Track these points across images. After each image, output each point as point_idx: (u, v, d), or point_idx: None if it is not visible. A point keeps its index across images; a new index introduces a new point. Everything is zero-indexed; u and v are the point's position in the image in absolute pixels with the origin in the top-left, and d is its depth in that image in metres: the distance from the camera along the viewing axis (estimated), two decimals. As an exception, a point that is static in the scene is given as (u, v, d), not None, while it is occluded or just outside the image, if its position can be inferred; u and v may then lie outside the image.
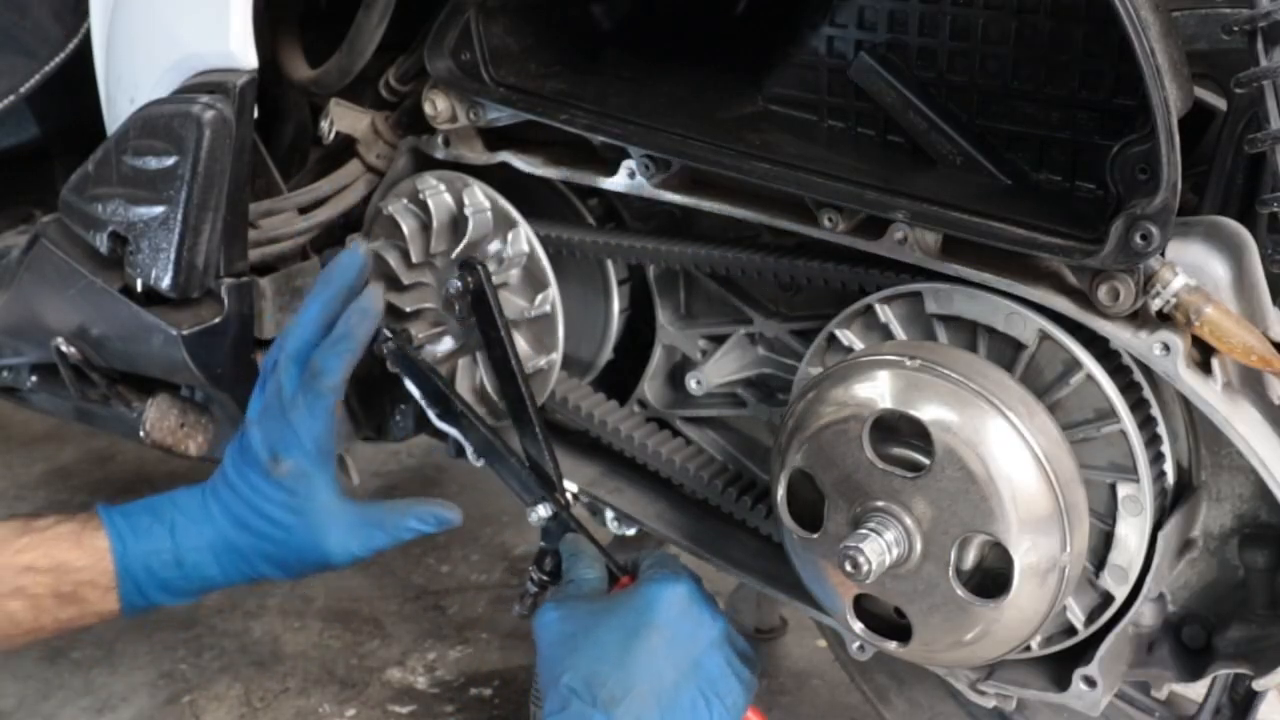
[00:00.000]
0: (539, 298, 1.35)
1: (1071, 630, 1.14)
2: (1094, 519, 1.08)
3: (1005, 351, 1.09)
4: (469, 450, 1.41)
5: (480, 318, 1.33)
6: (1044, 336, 1.06)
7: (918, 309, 1.13)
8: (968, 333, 1.11)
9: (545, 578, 1.34)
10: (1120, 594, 1.10)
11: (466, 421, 1.37)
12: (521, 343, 1.37)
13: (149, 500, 1.23)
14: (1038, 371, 1.08)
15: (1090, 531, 1.07)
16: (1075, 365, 1.06)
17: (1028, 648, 1.13)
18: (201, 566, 1.21)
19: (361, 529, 1.24)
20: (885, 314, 1.14)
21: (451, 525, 1.28)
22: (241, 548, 1.22)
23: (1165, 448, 1.09)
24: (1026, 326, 1.06)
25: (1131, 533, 1.08)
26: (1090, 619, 1.13)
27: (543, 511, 1.31)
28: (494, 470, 1.36)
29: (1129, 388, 1.07)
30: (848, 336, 1.17)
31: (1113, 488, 1.08)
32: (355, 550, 1.24)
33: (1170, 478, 1.11)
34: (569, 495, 1.35)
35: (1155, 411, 1.08)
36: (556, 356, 1.37)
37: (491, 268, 1.32)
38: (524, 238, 1.34)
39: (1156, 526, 1.08)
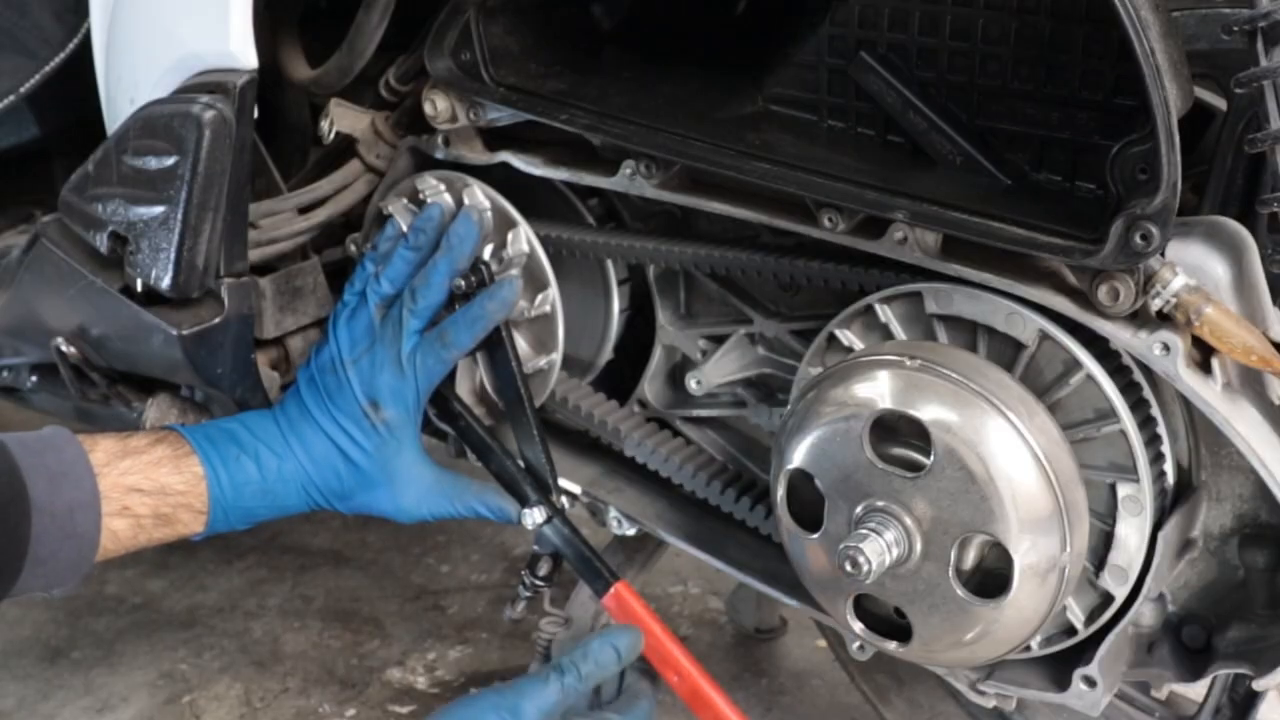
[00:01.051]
0: (539, 298, 1.35)
1: (1071, 630, 1.14)
2: (1094, 519, 1.08)
3: (1005, 351, 1.09)
4: (469, 450, 1.40)
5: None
6: (1044, 336, 1.06)
7: (918, 309, 1.13)
8: (968, 333, 1.11)
9: (538, 582, 1.34)
10: (1120, 594, 1.10)
11: (464, 423, 1.37)
12: (521, 343, 1.37)
13: (225, 426, 1.27)
14: (1038, 371, 1.08)
15: (1090, 531, 1.07)
16: (1075, 365, 1.06)
17: (1028, 648, 1.13)
18: (284, 497, 1.26)
19: (436, 495, 1.30)
20: (885, 314, 1.14)
21: (509, 521, 1.32)
22: (317, 482, 1.27)
23: (1165, 448, 1.09)
24: (1026, 326, 1.06)
25: (1131, 533, 1.08)
26: (1090, 619, 1.13)
27: (537, 515, 1.31)
28: (489, 472, 1.36)
29: (1129, 388, 1.07)
30: (848, 336, 1.17)
31: (1113, 488, 1.08)
32: (424, 513, 1.30)
33: (1170, 478, 1.11)
34: (564, 499, 1.34)
35: (1155, 411, 1.08)
36: (556, 356, 1.37)
37: (493, 267, 1.32)
38: (524, 238, 1.34)
39: (1156, 526, 1.08)
